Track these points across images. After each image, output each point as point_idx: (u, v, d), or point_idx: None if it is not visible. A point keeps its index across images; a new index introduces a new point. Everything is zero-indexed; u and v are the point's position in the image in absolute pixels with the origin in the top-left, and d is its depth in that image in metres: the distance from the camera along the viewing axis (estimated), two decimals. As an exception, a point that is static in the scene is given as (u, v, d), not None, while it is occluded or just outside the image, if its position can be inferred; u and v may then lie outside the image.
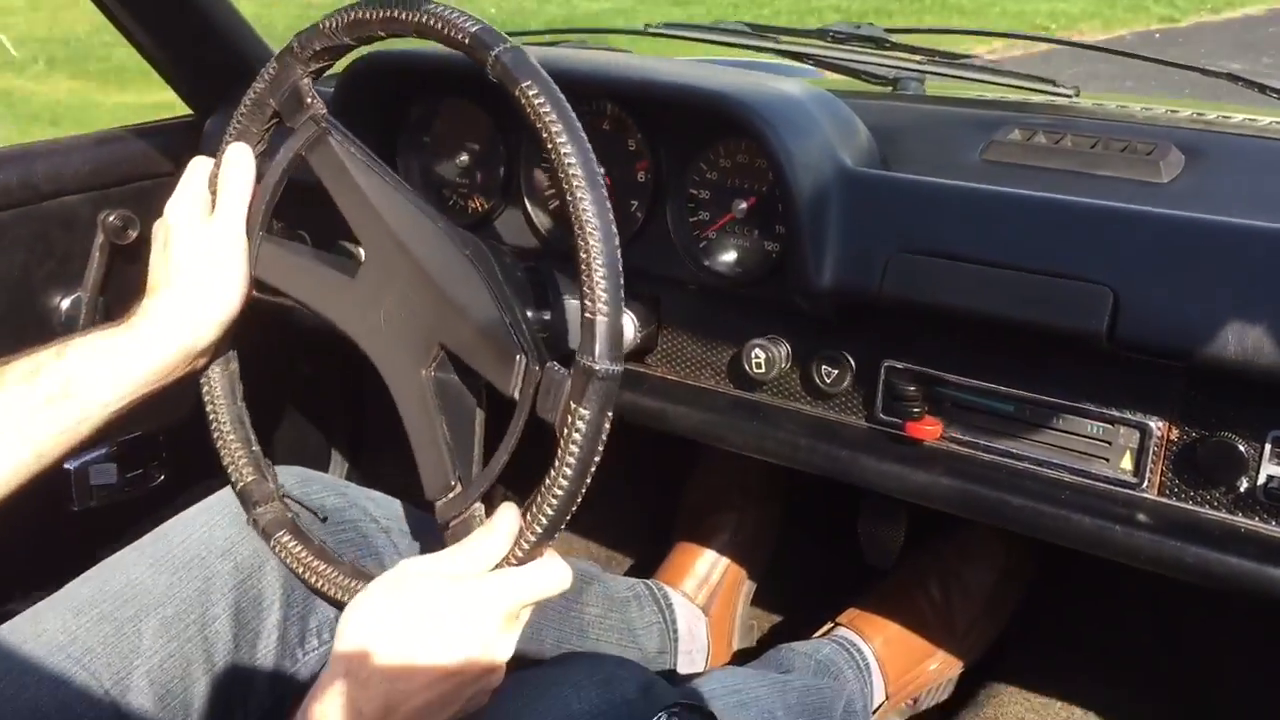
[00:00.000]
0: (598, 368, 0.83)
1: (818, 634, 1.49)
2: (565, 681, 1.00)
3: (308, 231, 1.26)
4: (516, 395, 0.89)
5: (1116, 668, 1.56)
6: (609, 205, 0.84)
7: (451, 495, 0.93)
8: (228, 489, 1.07)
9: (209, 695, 1.01)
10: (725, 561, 1.60)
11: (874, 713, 1.43)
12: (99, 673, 0.97)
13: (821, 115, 1.06)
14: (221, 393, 1.06)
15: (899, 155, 1.12)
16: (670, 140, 1.13)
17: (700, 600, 1.56)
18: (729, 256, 1.13)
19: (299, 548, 1.01)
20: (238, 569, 1.05)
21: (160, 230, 1.03)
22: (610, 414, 0.85)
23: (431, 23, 0.88)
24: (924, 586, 1.53)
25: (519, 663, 1.21)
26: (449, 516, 0.93)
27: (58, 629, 0.97)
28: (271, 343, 1.47)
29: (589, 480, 0.85)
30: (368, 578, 0.98)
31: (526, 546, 0.85)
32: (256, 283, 1.03)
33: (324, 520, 1.09)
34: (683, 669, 1.49)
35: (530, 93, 0.85)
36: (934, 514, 1.58)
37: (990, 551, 1.52)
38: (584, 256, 0.83)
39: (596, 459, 0.84)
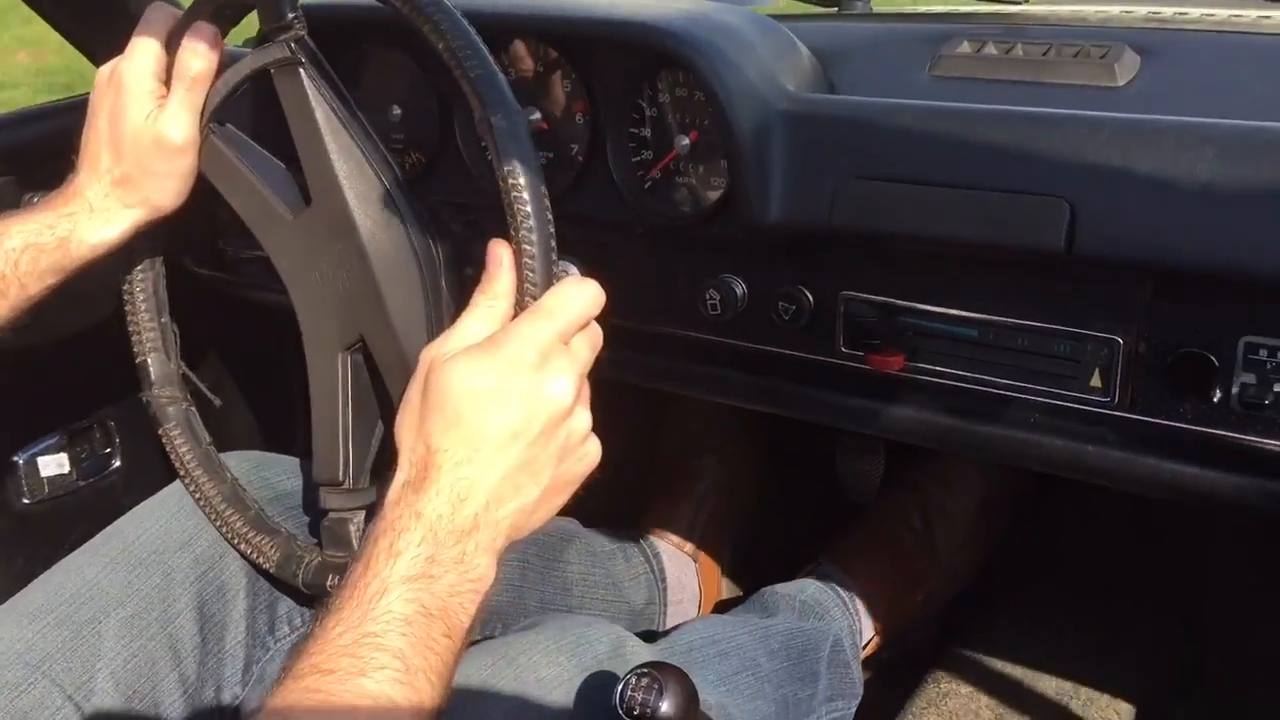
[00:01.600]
0: None
1: (801, 574, 1.46)
2: (534, 647, 0.97)
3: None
4: None
5: (1104, 588, 1.55)
6: (532, 148, 0.81)
7: (337, 490, 0.91)
8: (178, 482, 1.04)
9: (178, 692, 0.99)
10: (708, 506, 1.57)
11: (863, 648, 1.41)
12: (60, 679, 0.93)
13: (759, 41, 1.01)
14: (144, 304, 1.03)
15: (845, 78, 1.08)
16: (606, 79, 1.08)
17: (688, 548, 1.53)
18: (675, 196, 1.08)
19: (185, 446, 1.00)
20: (198, 561, 1.02)
21: (105, 99, 0.96)
22: None
23: None
24: (905, 518, 1.50)
25: (503, 628, 1.19)
26: (332, 507, 0.91)
27: (13, 637, 0.94)
28: (224, 324, 1.44)
29: None
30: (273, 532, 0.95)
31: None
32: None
33: (218, 405, 1.05)
34: (673, 619, 1.47)
35: (434, 16, 0.80)
36: (913, 446, 1.56)
37: (970, 478, 1.50)
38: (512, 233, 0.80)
39: None
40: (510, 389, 0.75)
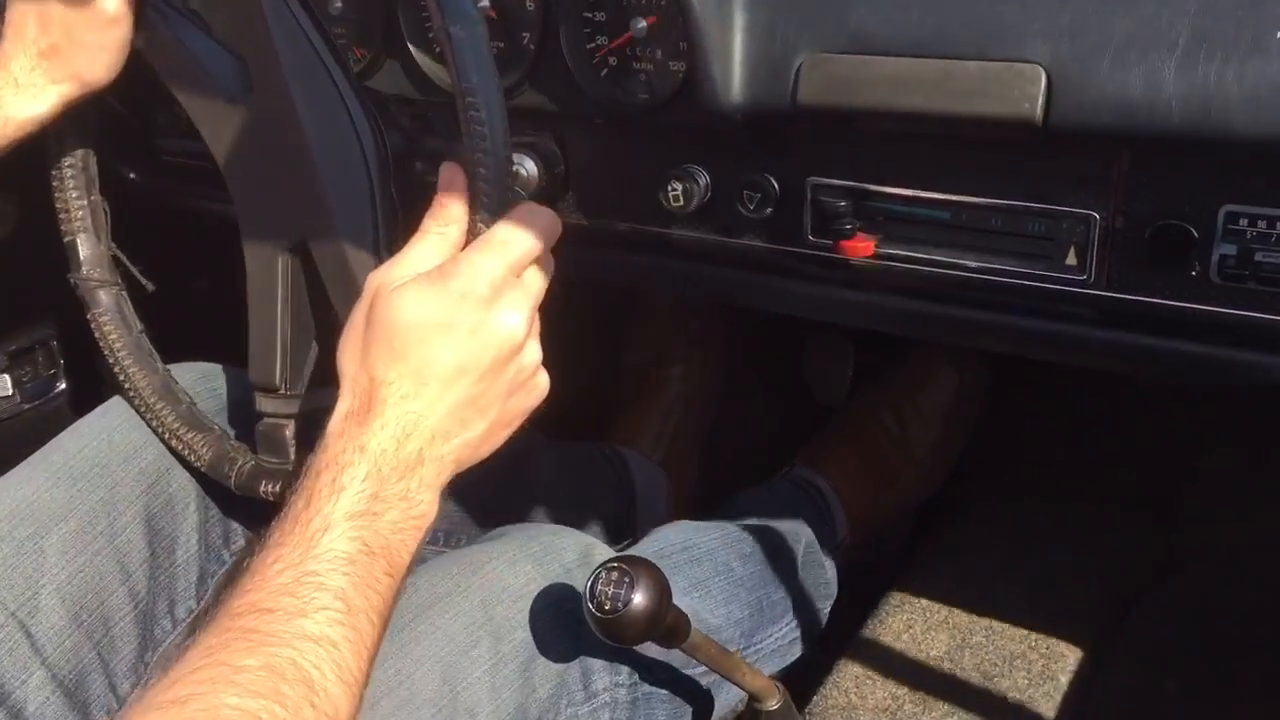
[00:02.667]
0: None
1: (775, 478, 1.44)
2: (499, 556, 0.94)
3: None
4: None
5: (1081, 480, 1.54)
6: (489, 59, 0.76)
7: (273, 396, 0.87)
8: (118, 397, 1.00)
9: (129, 607, 0.95)
10: (676, 416, 1.55)
11: (837, 548, 1.39)
12: (2, 596, 0.90)
13: (717, -88, 0.96)
14: (72, 181, 0.98)
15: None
16: (555, -40, 1.03)
17: (657, 456, 1.51)
18: (633, 83, 1.03)
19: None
20: (143, 474, 0.98)
21: None
22: None
23: None
24: (878, 417, 1.48)
25: (469, 539, 1.16)
26: (267, 411, 0.89)
27: None
28: (166, 237, 1.38)
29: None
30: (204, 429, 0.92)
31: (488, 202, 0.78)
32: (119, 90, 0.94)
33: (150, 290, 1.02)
34: (644, 529, 1.45)
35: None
36: (882, 344, 1.54)
37: (942, 373, 1.48)
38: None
39: None
40: (459, 322, 0.73)
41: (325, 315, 0.90)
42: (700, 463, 1.58)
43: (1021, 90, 0.83)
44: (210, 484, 1.00)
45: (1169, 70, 0.79)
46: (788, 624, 1.21)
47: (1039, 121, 0.83)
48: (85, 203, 0.98)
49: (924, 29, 0.86)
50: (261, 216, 0.90)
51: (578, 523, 1.31)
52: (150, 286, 1.01)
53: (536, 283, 0.78)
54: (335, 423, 0.74)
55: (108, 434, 0.99)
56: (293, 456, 0.90)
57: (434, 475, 0.74)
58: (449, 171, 0.78)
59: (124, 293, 1.00)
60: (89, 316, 0.98)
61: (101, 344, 0.97)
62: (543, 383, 0.80)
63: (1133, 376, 1.34)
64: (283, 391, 0.90)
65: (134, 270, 1.00)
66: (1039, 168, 0.90)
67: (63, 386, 1.37)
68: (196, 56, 0.91)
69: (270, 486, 0.90)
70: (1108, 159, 0.87)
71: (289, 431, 0.89)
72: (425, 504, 0.73)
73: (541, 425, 1.75)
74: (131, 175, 1.27)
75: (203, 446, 0.94)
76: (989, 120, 0.85)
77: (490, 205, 0.77)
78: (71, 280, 0.98)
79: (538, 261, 0.78)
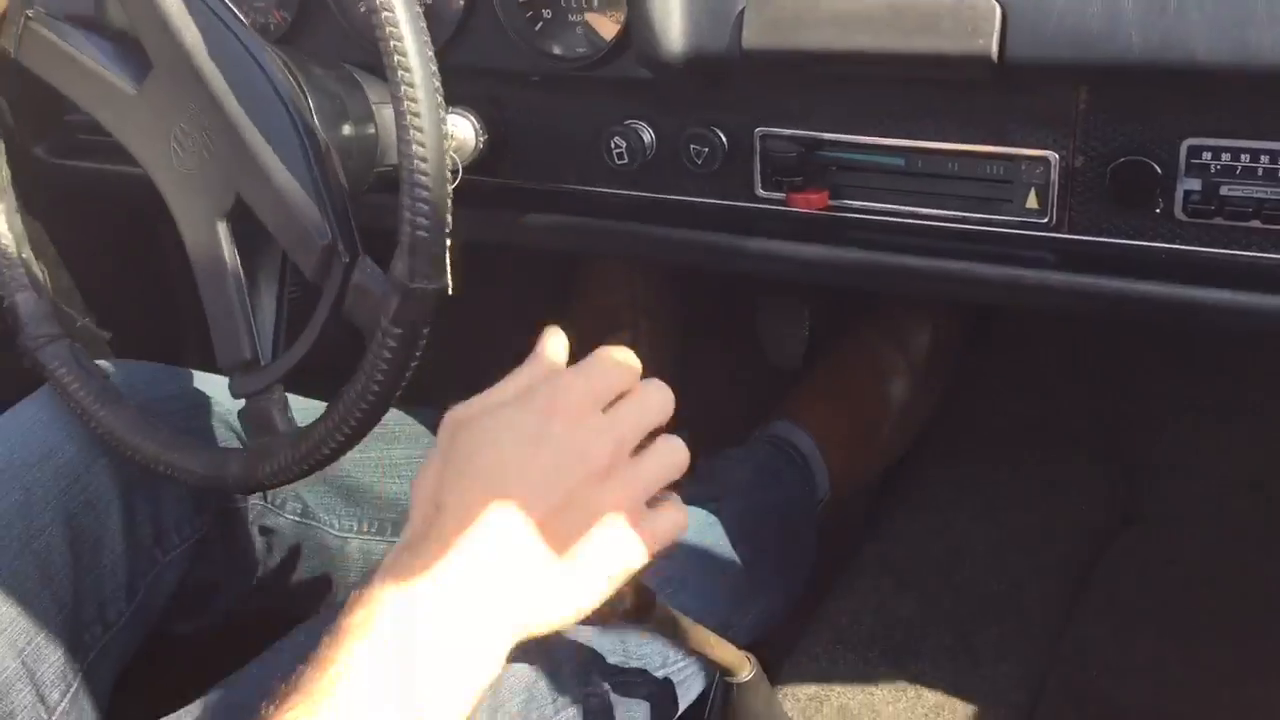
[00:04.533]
0: (414, 286, 0.74)
1: (755, 435, 1.40)
2: None
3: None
4: (321, 284, 0.79)
5: (1044, 434, 1.52)
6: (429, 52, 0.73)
7: (249, 372, 0.82)
8: (40, 391, 0.94)
9: (54, 612, 0.90)
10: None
11: (814, 512, 1.36)
12: None
13: None
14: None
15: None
16: (484, -93, 0.98)
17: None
18: (570, 36, 0.99)
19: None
20: (60, 473, 0.92)
21: None
22: (426, 330, 0.76)
23: None
24: (853, 372, 1.45)
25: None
26: (245, 392, 0.83)
27: None
28: (92, 222, 1.32)
29: (401, 385, 0.77)
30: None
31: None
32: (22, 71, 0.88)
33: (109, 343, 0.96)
34: None
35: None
36: (839, 304, 1.51)
37: (917, 324, 1.45)
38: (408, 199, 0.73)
39: (410, 369, 0.76)
40: (533, 445, 0.65)
41: (281, 269, 0.85)
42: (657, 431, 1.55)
43: (975, 25, 0.79)
44: (135, 480, 0.94)
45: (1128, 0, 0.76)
46: (766, 600, 1.18)
47: (994, 57, 0.79)
48: (18, 260, 0.92)
49: (873, -35, 0.82)
50: (190, 191, 0.84)
51: None
52: (107, 336, 0.95)
53: (629, 417, 0.69)
54: (390, 555, 0.65)
55: (20, 436, 0.93)
56: (285, 426, 0.84)
57: (490, 624, 0.64)
58: (551, 335, 0.74)
59: (75, 343, 0.93)
60: (46, 376, 0.91)
61: (66, 399, 0.91)
62: (634, 545, 0.67)
63: (1097, 323, 1.33)
64: (259, 364, 0.84)
65: (88, 324, 0.94)
66: (995, 107, 0.87)
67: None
68: (85, 56, 0.86)
69: (268, 468, 0.83)
70: (1066, 95, 0.84)
71: (275, 402, 0.83)
72: (477, 656, 0.63)
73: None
74: (47, 157, 1.20)
75: (190, 463, 0.88)
76: (942, 58, 0.81)
77: (426, 153, 0.73)
78: (20, 346, 0.92)
79: (633, 401, 0.70)
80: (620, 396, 0.70)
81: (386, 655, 0.61)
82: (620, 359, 0.71)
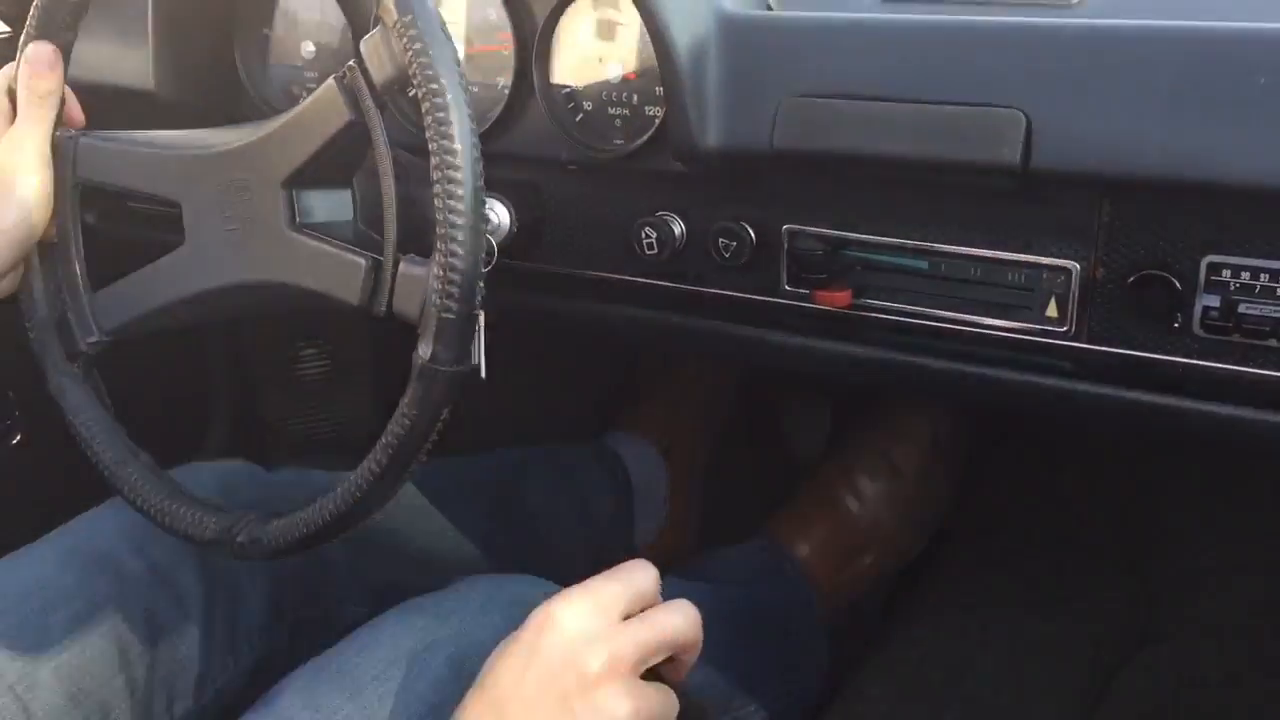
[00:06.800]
0: (436, 368, 0.76)
1: (745, 544, 1.41)
2: (467, 606, 0.91)
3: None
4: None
5: (1061, 543, 1.51)
6: (479, 180, 0.76)
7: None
8: None
9: (126, 697, 0.93)
10: (685, 401, 1.54)
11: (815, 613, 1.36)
12: (4, 669, 0.88)
13: (693, -44, 0.95)
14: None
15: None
16: (530, 4, 1.02)
17: (657, 445, 1.48)
18: (608, 128, 1.02)
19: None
20: (153, 568, 0.97)
21: None
22: (444, 412, 0.78)
23: None
24: (850, 480, 1.45)
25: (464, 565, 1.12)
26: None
27: None
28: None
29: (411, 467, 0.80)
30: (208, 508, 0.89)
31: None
32: (86, 189, 0.93)
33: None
34: (641, 520, 1.43)
35: (410, 33, 0.76)
36: (860, 400, 1.51)
37: (918, 432, 1.45)
38: (443, 245, 0.75)
39: (423, 450, 0.79)
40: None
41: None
42: (706, 459, 1.55)
43: (1000, 135, 0.81)
44: (217, 588, 0.98)
45: (1152, 116, 0.78)
46: (773, 695, 1.17)
47: (1018, 167, 0.81)
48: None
49: (903, 73, 0.85)
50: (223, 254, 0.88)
51: (577, 530, 1.30)
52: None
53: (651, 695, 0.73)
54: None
55: (118, 526, 0.98)
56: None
57: None
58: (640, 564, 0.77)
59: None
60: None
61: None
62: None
63: (1112, 434, 1.32)
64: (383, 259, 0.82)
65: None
66: (1019, 216, 0.88)
67: (19, 439, 1.33)
68: (139, 149, 0.93)
69: (267, 537, 0.86)
70: (1089, 206, 0.86)
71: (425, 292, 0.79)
72: None
73: (545, 427, 1.72)
74: (90, 220, 1.24)
75: (199, 525, 0.90)
76: (968, 166, 0.83)
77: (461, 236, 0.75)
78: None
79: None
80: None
81: None
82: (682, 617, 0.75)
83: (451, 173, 0.75)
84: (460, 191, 0.75)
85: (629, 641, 0.71)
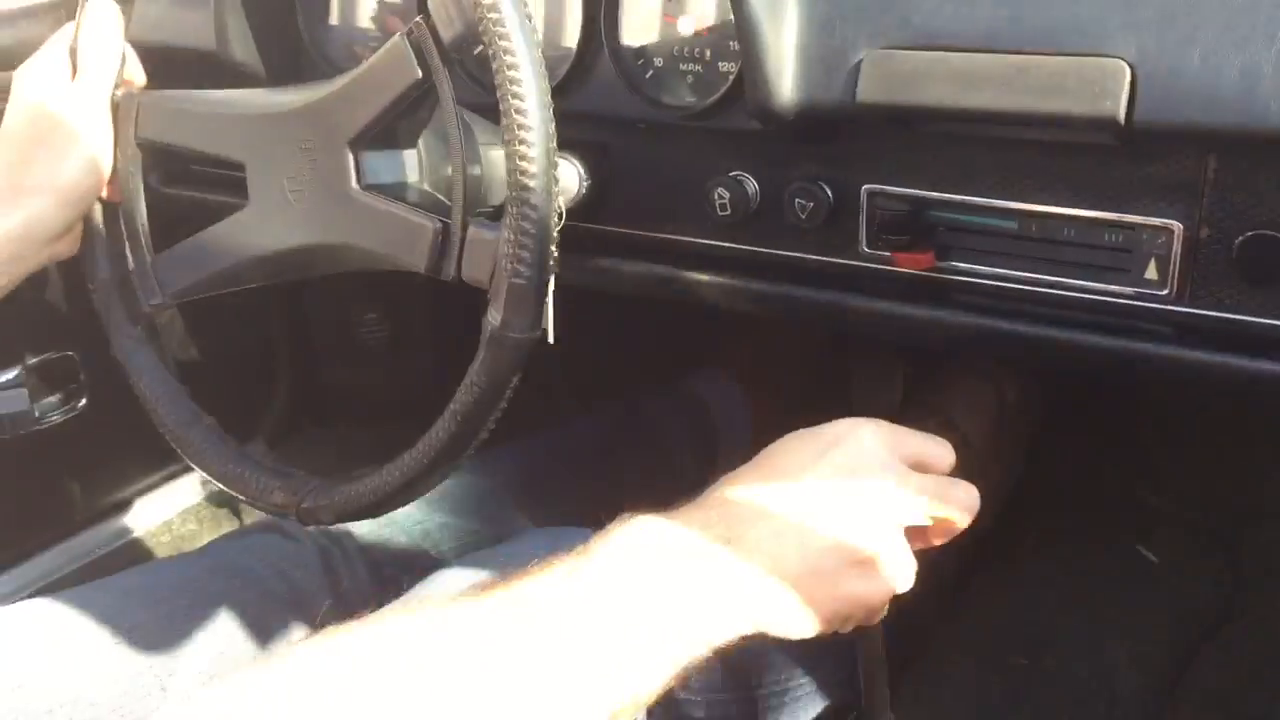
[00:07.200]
0: (506, 334, 0.75)
1: None
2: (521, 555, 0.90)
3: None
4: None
5: (1153, 514, 1.46)
6: (552, 142, 0.74)
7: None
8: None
9: None
10: (764, 337, 1.54)
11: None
12: (150, 650, 0.92)
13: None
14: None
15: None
16: (602, -43, 0.98)
17: (743, 377, 1.49)
18: (680, 86, 0.98)
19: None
20: (293, 589, 1.01)
21: (11, 102, 0.90)
22: (514, 379, 0.76)
23: None
24: None
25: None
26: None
27: (112, 609, 0.93)
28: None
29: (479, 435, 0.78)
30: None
31: None
32: (148, 147, 0.92)
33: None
34: (726, 461, 1.43)
35: None
36: (932, 365, 1.47)
37: (985, 400, 1.41)
38: (515, 209, 0.74)
39: (492, 418, 0.78)
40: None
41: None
42: (789, 404, 1.54)
43: (1103, 86, 0.76)
44: (347, 611, 0.99)
45: (1267, 64, 0.73)
46: (825, 667, 1.15)
47: (1121, 120, 0.76)
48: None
49: (995, 21, 0.81)
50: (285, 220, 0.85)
51: (660, 471, 1.30)
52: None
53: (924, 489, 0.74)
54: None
55: (265, 545, 1.04)
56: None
57: (731, 609, 0.66)
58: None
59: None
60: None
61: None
62: (879, 590, 0.72)
63: (1210, 404, 1.27)
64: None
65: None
66: (1117, 173, 0.84)
67: (84, 403, 1.33)
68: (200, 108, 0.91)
69: (330, 503, 0.85)
70: (1194, 164, 0.81)
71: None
72: (699, 630, 0.65)
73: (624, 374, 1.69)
74: (161, 186, 1.22)
75: (270, 490, 0.89)
76: (1066, 119, 0.79)
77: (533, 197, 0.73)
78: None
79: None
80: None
81: (634, 578, 0.63)
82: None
83: (524, 133, 0.72)
84: (533, 153, 0.72)
85: (915, 481, 0.73)
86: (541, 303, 0.75)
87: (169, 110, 0.92)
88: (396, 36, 0.79)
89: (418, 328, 1.62)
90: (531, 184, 0.72)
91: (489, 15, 0.72)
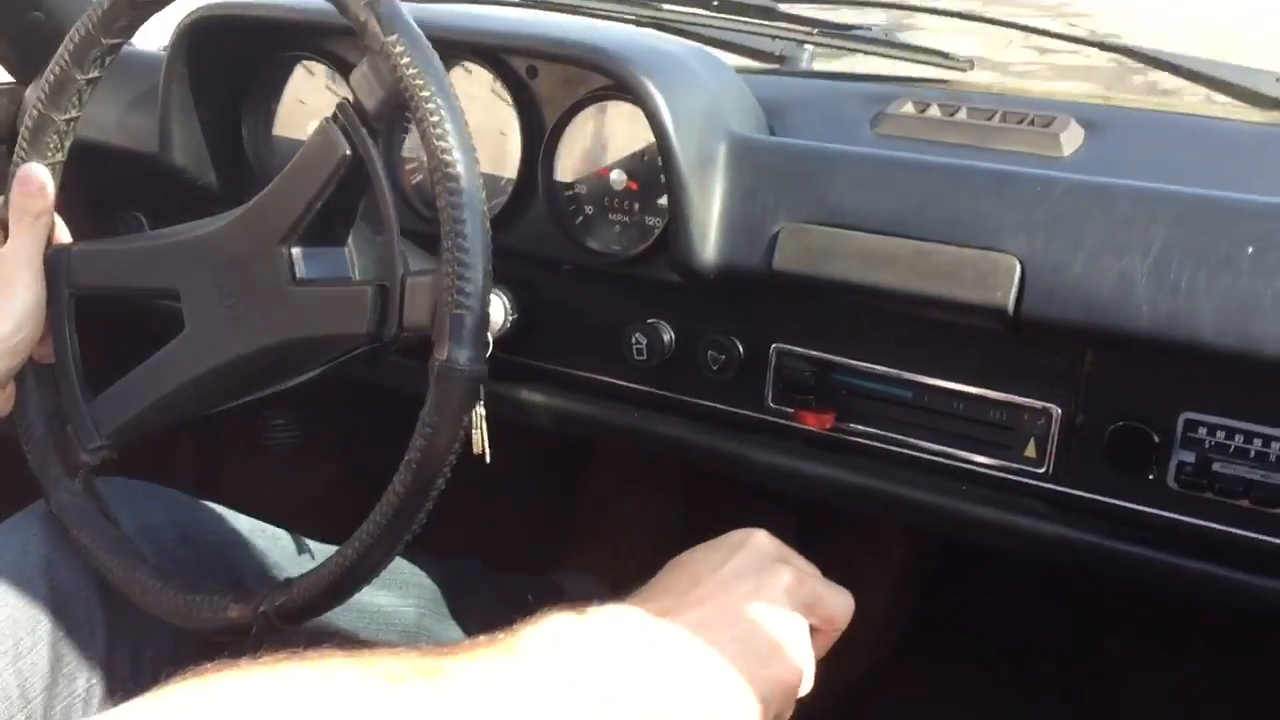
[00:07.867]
0: (461, 368, 0.75)
1: None
2: None
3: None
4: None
5: (1012, 674, 1.51)
6: (480, 182, 0.76)
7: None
8: (41, 501, 0.95)
9: None
10: (630, 536, 1.51)
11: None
12: None
13: (706, 75, 0.98)
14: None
15: (787, 129, 1.05)
16: (540, 106, 1.04)
17: (609, 578, 1.46)
18: (608, 234, 1.03)
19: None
20: (55, 592, 0.92)
21: None
22: (466, 416, 0.77)
23: None
24: None
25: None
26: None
27: None
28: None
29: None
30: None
31: None
32: (79, 297, 0.92)
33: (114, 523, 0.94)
34: None
35: (397, 50, 0.75)
36: (826, 520, 1.51)
37: (890, 547, 1.46)
38: (450, 242, 0.74)
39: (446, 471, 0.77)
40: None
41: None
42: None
43: (995, 278, 0.83)
44: (122, 611, 0.93)
45: (1140, 274, 0.80)
46: None
47: (1010, 310, 0.83)
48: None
49: (903, 209, 0.88)
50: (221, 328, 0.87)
51: None
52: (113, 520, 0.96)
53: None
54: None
55: (23, 546, 0.93)
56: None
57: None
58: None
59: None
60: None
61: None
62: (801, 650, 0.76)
63: (1081, 577, 1.33)
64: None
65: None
66: (1005, 357, 0.90)
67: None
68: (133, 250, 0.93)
69: (289, 598, 0.82)
70: (1073, 355, 0.88)
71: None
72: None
73: (487, 553, 1.72)
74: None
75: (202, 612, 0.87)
76: (960, 304, 0.85)
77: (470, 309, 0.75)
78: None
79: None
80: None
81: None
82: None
83: (451, 170, 0.74)
84: (461, 186, 0.75)
85: (810, 577, 0.78)
86: (484, 332, 0.76)
87: (100, 254, 0.93)
88: (322, 120, 0.81)
89: (328, 432, 1.62)
90: (463, 215, 0.74)
91: (408, 73, 0.75)
